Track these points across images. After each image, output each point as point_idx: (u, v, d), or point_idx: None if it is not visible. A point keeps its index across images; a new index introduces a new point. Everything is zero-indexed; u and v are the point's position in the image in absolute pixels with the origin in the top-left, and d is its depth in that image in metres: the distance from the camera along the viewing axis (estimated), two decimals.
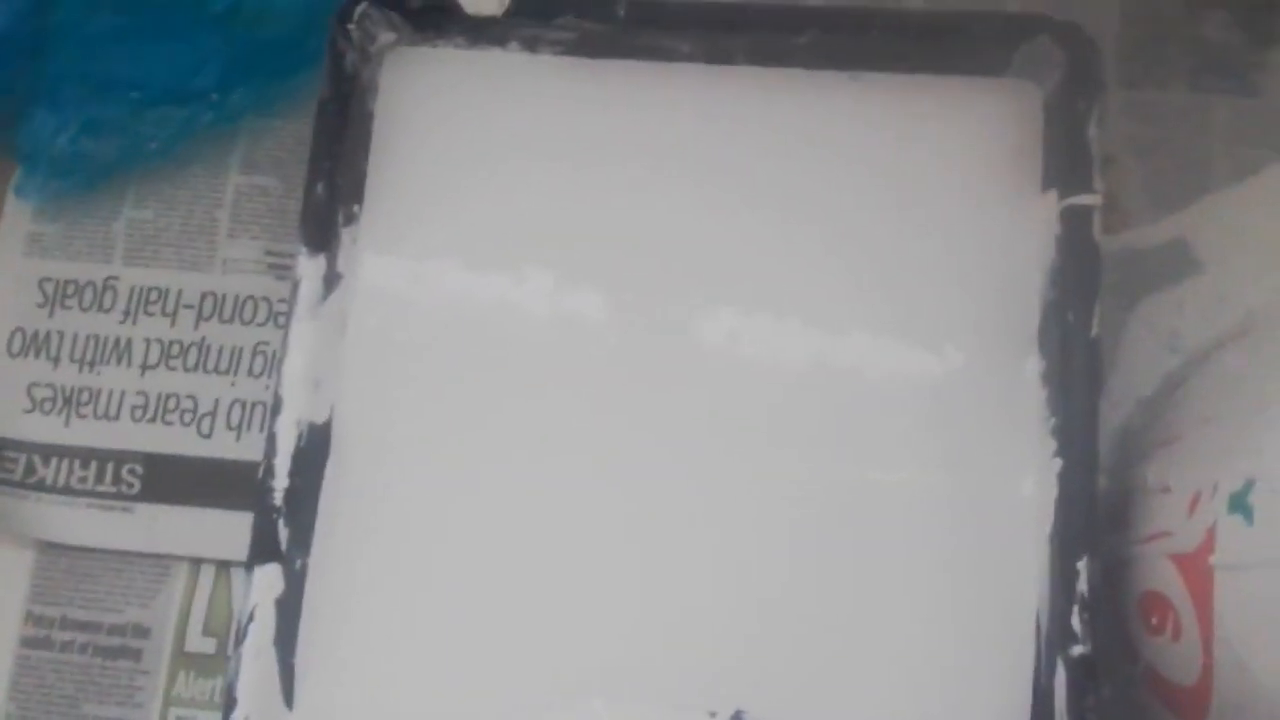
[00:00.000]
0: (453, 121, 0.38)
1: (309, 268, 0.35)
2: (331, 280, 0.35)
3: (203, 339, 0.39)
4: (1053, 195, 0.35)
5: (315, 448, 0.34)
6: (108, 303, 0.39)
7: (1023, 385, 0.34)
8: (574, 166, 0.37)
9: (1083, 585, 0.31)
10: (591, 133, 0.37)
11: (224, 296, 0.39)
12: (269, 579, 0.32)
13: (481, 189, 0.37)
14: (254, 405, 0.38)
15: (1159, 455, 0.32)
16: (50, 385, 0.38)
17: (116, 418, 0.38)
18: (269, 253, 0.40)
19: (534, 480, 0.34)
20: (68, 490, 0.37)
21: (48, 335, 0.39)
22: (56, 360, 0.39)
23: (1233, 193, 0.39)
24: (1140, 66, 0.41)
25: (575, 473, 0.34)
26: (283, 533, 0.33)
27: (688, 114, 0.37)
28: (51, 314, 0.39)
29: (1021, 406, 0.34)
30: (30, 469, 0.38)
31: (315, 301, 0.35)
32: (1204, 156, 0.40)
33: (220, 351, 0.38)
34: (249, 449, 0.37)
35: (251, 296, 0.39)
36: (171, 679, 0.36)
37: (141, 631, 0.37)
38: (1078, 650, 0.31)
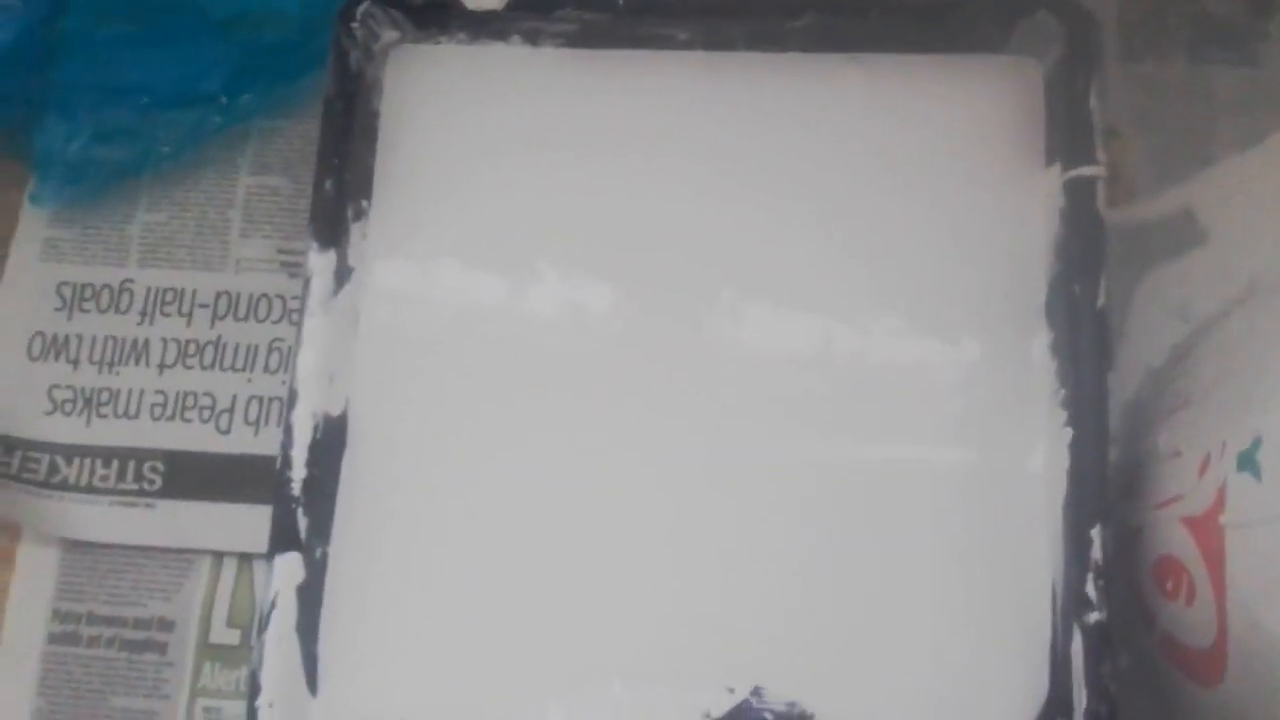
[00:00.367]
0: (458, 117, 0.38)
1: (320, 263, 0.35)
2: (343, 275, 0.36)
3: (218, 337, 0.39)
4: (1056, 169, 0.35)
5: (331, 439, 0.35)
6: (124, 304, 0.40)
7: (1032, 359, 0.34)
8: (580, 157, 0.37)
9: (1096, 553, 0.31)
10: (596, 123, 0.38)
11: (238, 295, 0.40)
12: (290, 567, 0.33)
13: (488, 182, 0.38)
14: (271, 401, 0.38)
15: (1169, 422, 0.32)
16: (70, 387, 0.39)
17: (136, 416, 0.39)
18: (281, 251, 0.40)
19: (548, 466, 0.34)
20: (90, 489, 0.38)
21: (66, 338, 0.40)
22: (76, 362, 0.39)
23: (1237, 162, 0.39)
24: (1140, 39, 0.41)
25: (589, 459, 0.34)
26: (302, 522, 0.33)
27: (689, 101, 0.37)
28: (70, 317, 0.40)
29: (1031, 380, 0.34)
30: (54, 469, 0.38)
31: (327, 296, 0.35)
32: (1206, 127, 0.40)
33: (236, 349, 0.39)
34: (267, 444, 0.37)
35: (265, 294, 0.40)
36: (197, 670, 0.37)
37: (166, 625, 0.37)
38: (1093, 617, 0.31)
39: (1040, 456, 0.33)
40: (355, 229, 0.37)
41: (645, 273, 0.36)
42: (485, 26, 0.38)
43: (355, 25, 0.37)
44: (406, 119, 0.38)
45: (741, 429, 0.35)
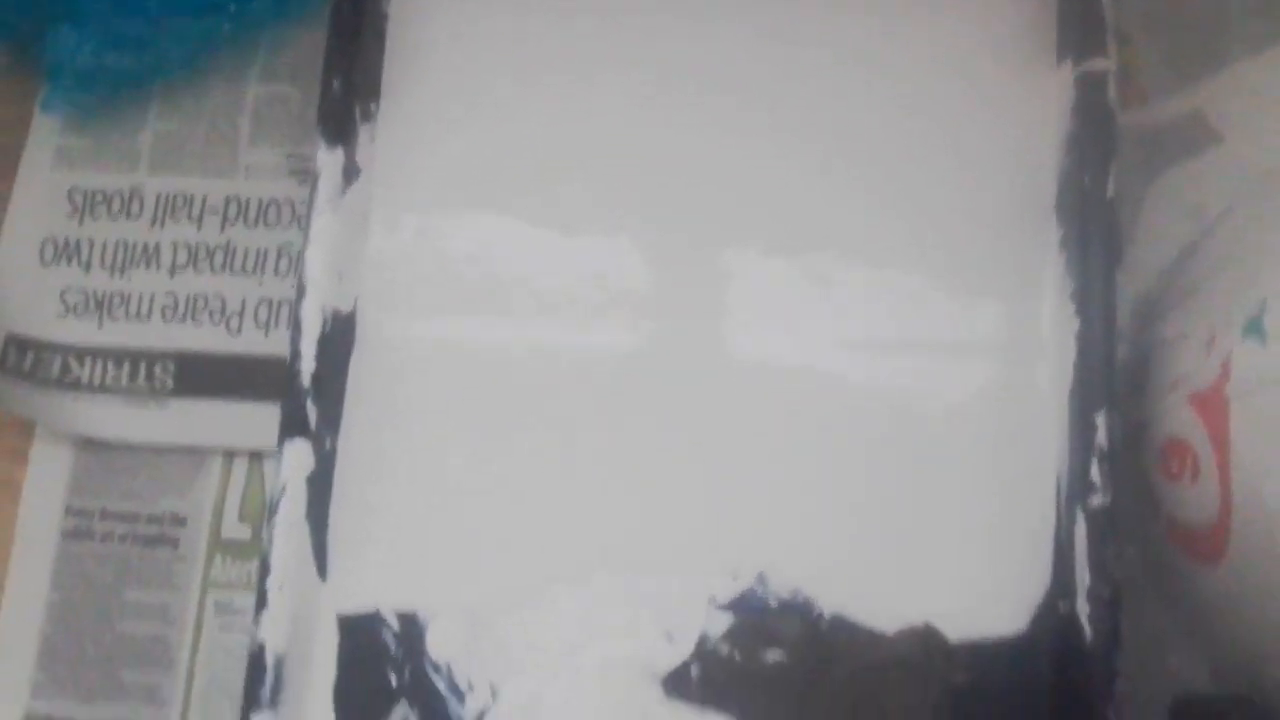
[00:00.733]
0: (468, 20, 0.38)
1: (327, 161, 0.35)
2: (351, 173, 0.36)
3: (228, 242, 0.40)
4: (1067, 66, 0.35)
5: (340, 335, 0.35)
6: (135, 210, 0.40)
7: (1042, 256, 0.34)
8: (590, 65, 0.37)
9: (1101, 438, 0.31)
10: (606, 32, 0.38)
11: (247, 201, 0.40)
12: (299, 455, 0.33)
13: (498, 87, 0.37)
14: (280, 304, 0.38)
15: (1176, 312, 0.32)
16: (82, 290, 0.39)
17: (147, 319, 0.39)
18: (290, 157, 0.40)
19: (557, 360, 0.34)
20: (103, 388, 0.38)
21: (78, 243, 0.40)
22: (88, 266, 0.40)
23: (1249, 64, 0.39)
24: None
25: (599, 350, 0.35)
26: (311, 412, 0.33)
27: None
28: (81, 222, 0.40)
29: (1042, 276, 0.34)
30: (66, 369, 0.39)
31: (335, 194, 0.35)
32: (1220, 31, 0.40)
33: (246, 253, 0.39)
34: (277, 345, 0.37)
35: (275, 200, 0.40)
36: (209, 564, 0.37)
37: (179, 520, 0.38)
38: (1097, 501, 0.31)
39: (1049, 351, 0.33)
40: (364, 130, 0.36)
41: (655, 184, 0.36)
42: None
43: None
44: (416, 21, 0.38)
45: (750, 321, 0.35)
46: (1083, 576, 0.31)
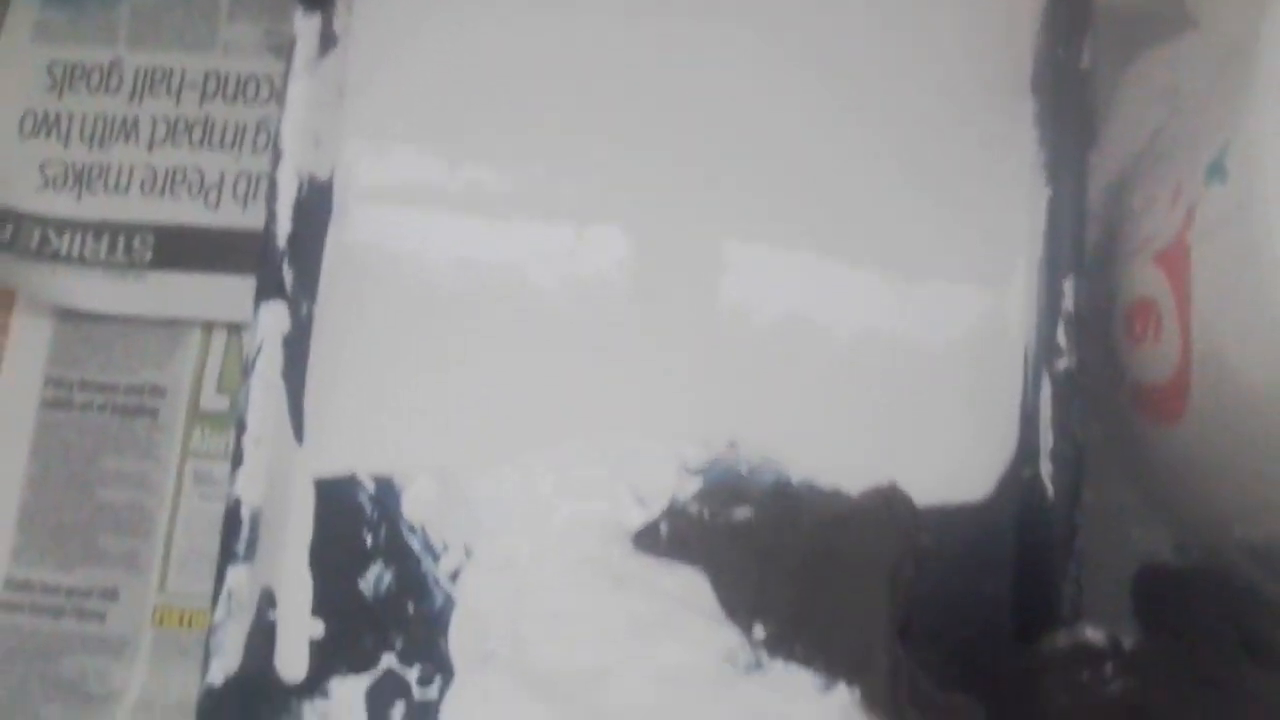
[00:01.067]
0: None
1: (305, 26, 0.35)
2: (328, 40, 0.35)
3: (207, 116, 0.39)
4: None
5: (317, 202, 0.35)
6: (114, 84, 0.40)
7: (1017, 130, 0.34)
8: None
9: (1068, 304, 0.31)
10: None
11: (226, 76, 0.40)
12: (275, 316, 0.33)
13: None
14: (259, 178, 0.38)
15: (1146, 179, 0.32)
16: (62, 163, 0.39)
17: (126, 192, 0.39)
18: (269, 33, 0.40)
19: (529, 225, 0.34)
20: (82, 261, 0.38)
21: (57, 116, 0.40)
22: (67, 140, 0.39)
23: None
24: None
25: (577, 219, 0.34)
26: (287, 275, 0.33)
27: None
28: (60, 96, 0.40)
29: (1016, 150, 0.34)
30: (45, 241, 0.39)
31: (311, 60, 0.35)
32: None
33: (225, 128, 0.39)
34: (255, 218, 0.36)
35: (254, 76, 0.40)
36: (188, 435, 0.38)
37: (158, 391, 0.38)
38: (1062, 364, 0.31)
39: (1022, 224, 0.33)
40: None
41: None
42: None
43: None
44: None
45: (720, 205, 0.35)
46: (1046, 439, 0.31)
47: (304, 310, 0.34)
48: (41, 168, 0.39)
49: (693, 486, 0.33)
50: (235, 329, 0.38)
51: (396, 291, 0.35)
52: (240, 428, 0.32)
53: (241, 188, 0.38)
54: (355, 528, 0.33)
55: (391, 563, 0.33)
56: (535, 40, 0.36)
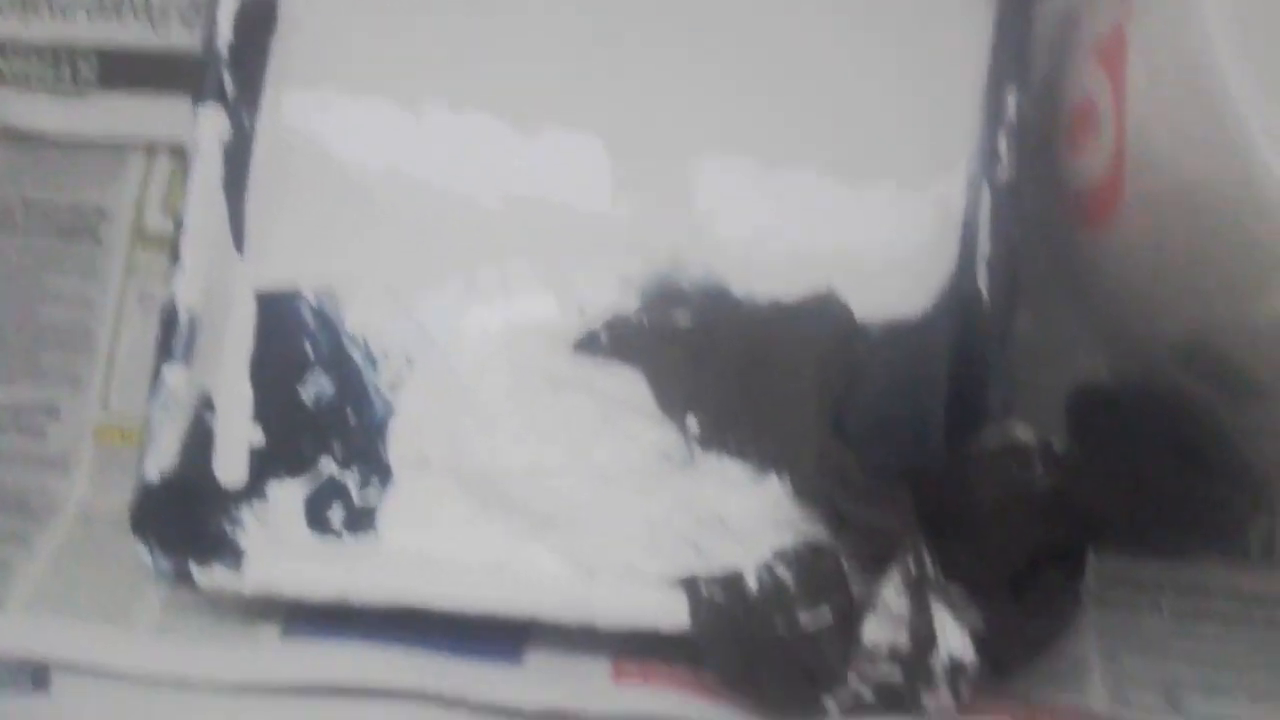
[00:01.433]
0: None
1: None
2: None
3: None
4: None
5: (260, 13, 0.34)
6: None
7: None
8: None
9: (1010, 114, 0.32)
10: None
11: None
12: (214, 121, 0.33)
13: None
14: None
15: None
16: None
17: (72, 14, 0.38)
18: None
19: (478, 45, 0.34)
20: (26, 82, 0.38)
21: None
22: None
23: None
24: None
25: (520, 45, 0.34)
26: (228, 81, 0.33)
27: None
28: None
29: None
30: None
31: None
32: None
33: None
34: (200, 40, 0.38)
35: None
36: (131, 255, 0.37)
37: (101, 213, 0.37)
38: (1002, 174, 0.31)
39: (967, 40, 0.33)
40: None
41: None
42: None
43: None
44: None
45: None
46: (984, 248, 0.31)
47: (245, 121, 0.34)
48: None
49: (634, 299, 0.33)
50: (179, 151, 0.37)
51: (342, 105, 0.34)
52: (179, 227, 0.32)
53: (187, 9, 0.37)
54: (296, 339, 0.34)
55: (332, 372, 0.33)
56: None
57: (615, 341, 0.32)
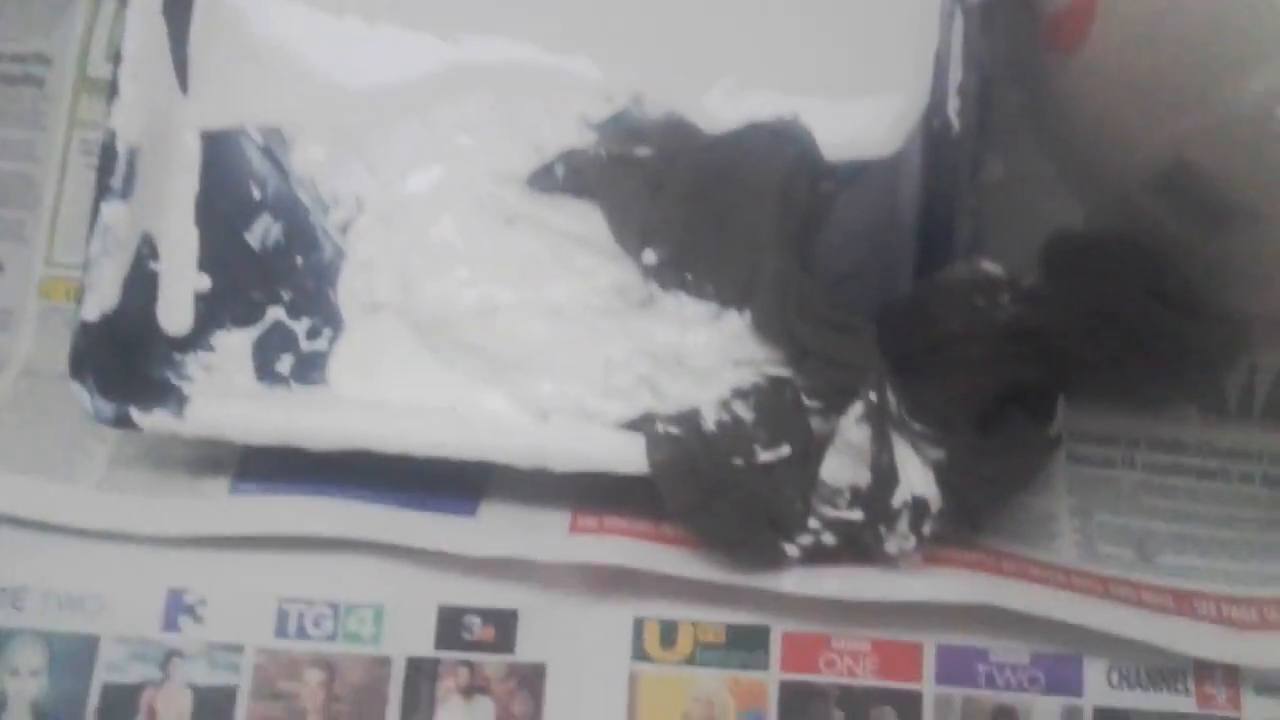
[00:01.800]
0: None
1: None
2: None
3: None
4: None
5: None
6: None
7: None
8: None
9: None
10: None
11: None
12: None
13: None
14: None
15: None
16: None
17: None
18: None
19: None
20: None
21: None
22: None
23: None
24: None
25: None
26: None
27: None
28: None
29: None
30: None
31: None
32: None
33: None
34: None
35: None
36: (75, 104, 0.36)
37: (44, 59, 0.36)
38: None
39: None
40: None
41: None
42: None
43: None
44: None
45: None
46: (955, 76, 0.30)
47: None
48: None
49: (591, 137, 0.32)
50: None
51: None
52: (118, 60, 0.31)
53: None
54: (243, 181, 0.32)
55: (280, 216, 0.32)
56: None
57: (571, 174, 0.30)
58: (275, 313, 0.32)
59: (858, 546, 0.29)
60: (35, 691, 0.31)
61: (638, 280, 0.30)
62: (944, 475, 0.28)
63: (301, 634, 0.31)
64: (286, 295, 0.32)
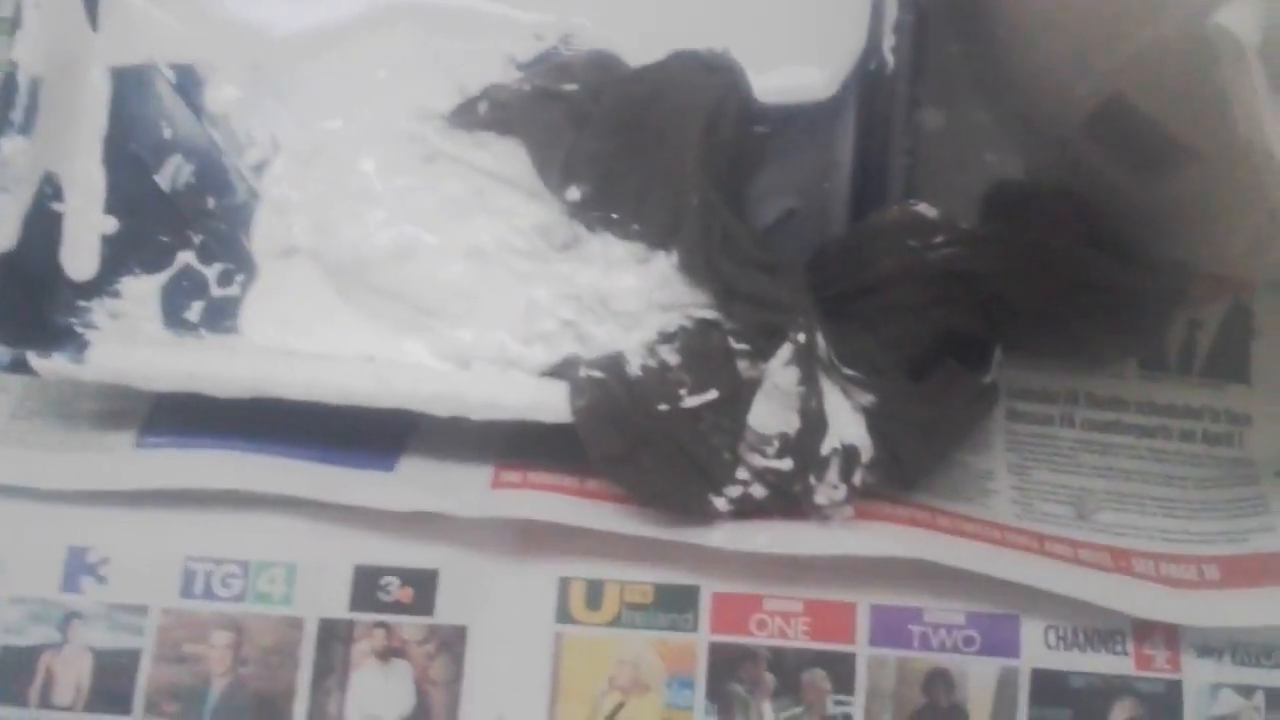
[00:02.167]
0: None
1: None
2: None
3: None
4: None
5: None
6: None
7: None
8: None
9: None
10: None
11: None
12: None
13: None
14: None
15: None
16: None
17: None
18: None
19: None
20: None
21: None
22: None
23: None
24: None
25: None
26: None
27: None
28: None
29: None
30: None
31: None
32: None
33: None
34: None
35: None
36: None
37: None
38: None
39: None
40: None
41: None
42: None
43: None
44: None
45: None
46: (890, 13, 0.29)
47: None
48: None
49: (516, 76, 0.30)
50: None
51: None
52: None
53: None
54: (153, 120, 0.31)
55: (192, 156, 0.31)
56: None
57: (495, 110, 0.29)
58: (185, 257, 0.31)
59: (788, 500, 0.28)
60: None
61: (562, 221, 0.29)
62: (875, 422, 0.27)
63: (209, 594, 0.30)
64: (197, 239, 0.31)
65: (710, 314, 0.27)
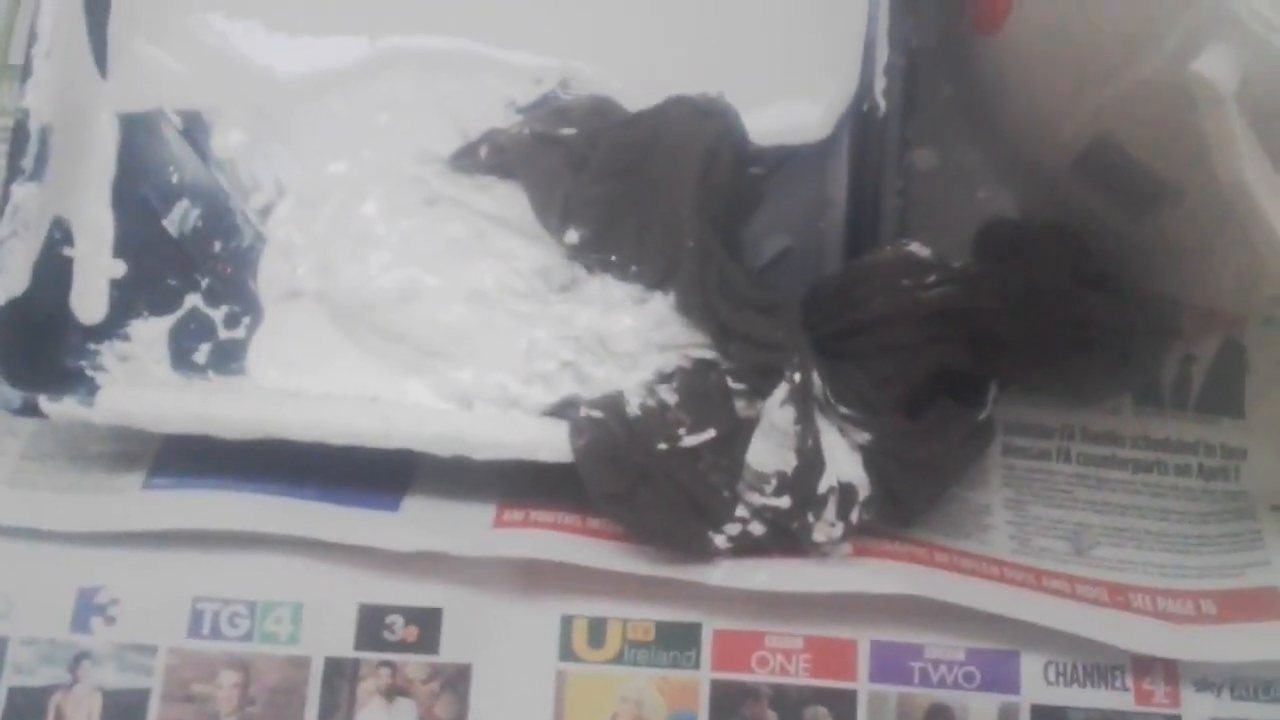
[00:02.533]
0: None
1: None
2: None
3: None
4: None
5: None
6: None
7: None
8: None
9: None
10: None
11: None
12: None
13: None
14: None
15: None
16: None
17: None
18: None
19: None
20: None
21: None
22: None
23: None
24: None
25: None
26: None
27: None
28: None
29: None
30: None
31: None
32: None
33: None
34: None
35: None
36: None
37: None
38: None
39: None
40: None
41: None
42: None
43: None
44: None
45: None
46: (882, 56, 0.30)
47: None
48: None
49: (517, 120, 0.31)
50: None
51: None
52: (32, 39, 0.30)
53: None
54: (161, 165, 0.32)
55: (199, 200, 0.32)
56: None
57: (494, 154, 0.30)
58: (193, 300, 0.31)
59: (786, 537, 0.28)
60: None
61: (561, 263, 0.29)
62: (871, 459, 0.27)
63: (216, 634, 0.30)
64: (204, 282, 0.31)
65: (707, 354, 0.28)
